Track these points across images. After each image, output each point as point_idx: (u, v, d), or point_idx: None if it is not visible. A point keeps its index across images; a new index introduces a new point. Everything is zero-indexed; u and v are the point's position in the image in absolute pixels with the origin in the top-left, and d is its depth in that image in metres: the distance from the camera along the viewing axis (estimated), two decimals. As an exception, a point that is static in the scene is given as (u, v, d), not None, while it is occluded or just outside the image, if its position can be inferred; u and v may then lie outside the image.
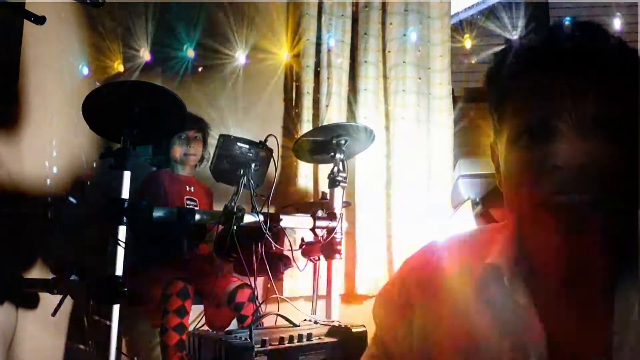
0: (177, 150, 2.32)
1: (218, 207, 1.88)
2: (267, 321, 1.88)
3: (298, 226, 2.09)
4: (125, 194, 1.62)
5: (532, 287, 0.63)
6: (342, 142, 2.05)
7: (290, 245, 1.98)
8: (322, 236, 2.04)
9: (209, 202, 2.41)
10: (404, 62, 2.62)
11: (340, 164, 2.06)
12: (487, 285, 0.65)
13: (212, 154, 2.06)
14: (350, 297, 2.52)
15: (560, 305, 0.63)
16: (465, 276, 0.68)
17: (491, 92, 0.66)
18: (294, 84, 2.74)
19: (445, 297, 0.69)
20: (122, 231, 1.60)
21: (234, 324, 2.05)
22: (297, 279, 2.38)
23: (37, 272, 1.98)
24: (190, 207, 2.21)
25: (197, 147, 2.35)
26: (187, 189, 2.32)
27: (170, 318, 1.85)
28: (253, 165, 1.87)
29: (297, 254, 2.08)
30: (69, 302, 2.04)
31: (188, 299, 1.90)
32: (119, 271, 1.59)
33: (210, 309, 2.07)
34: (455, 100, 2.70)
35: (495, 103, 0.65)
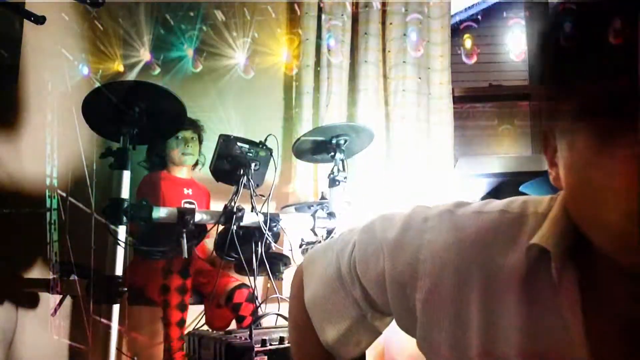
0: (175, 152, 2.31)
1: (218, 207, 1.88)
2: (267, 321, 1.88)
3: (298, 226, 2.09)
4: (126, 193, 1.62)
5: (589, 292, 0.47)
6: (342, 142, 2.05)
7: (290, 245, 1.98)
8: (322, 236, 2.05)
9: (207, 203, 2.41)
10: (404, 62, 2.62)
11: (340, 163, 2.06)
12: (528, 274, 0.49)
13: (207, 156, 2.06)
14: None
15: (624, 329, 0.46)
16: (500, 258, 0.51)
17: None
18: (294, 83, 2.74)
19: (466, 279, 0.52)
20: (122, 231, 1.60)
21: (233, 324, 2.05)
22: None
23: (37, 272, 1.98)
24: (190, 207, 2.21)
25: (194, 147, 2.35)
26: (185, 191, 2.32)
27: (172, 313, 1.89)
28: (253, 165, 1.87)
29: (297, 253, 2.08)
30: (69, 302, 2.05)
31: (187, 294, 1.93)
32: (119, 271, 1.59)
33: (211, 309, 2.07)
34: (455, 100, 2.69)
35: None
